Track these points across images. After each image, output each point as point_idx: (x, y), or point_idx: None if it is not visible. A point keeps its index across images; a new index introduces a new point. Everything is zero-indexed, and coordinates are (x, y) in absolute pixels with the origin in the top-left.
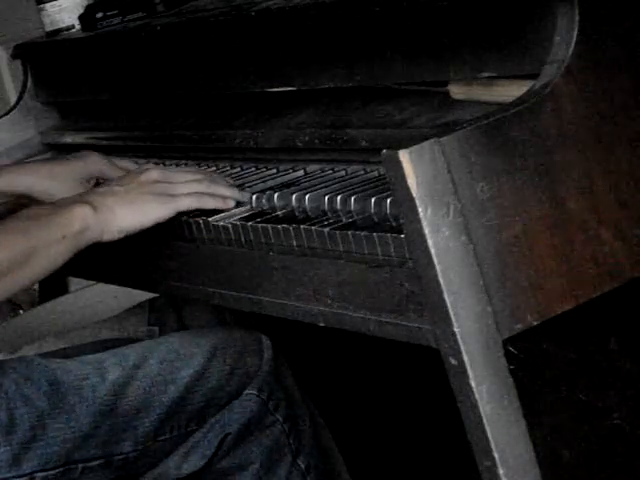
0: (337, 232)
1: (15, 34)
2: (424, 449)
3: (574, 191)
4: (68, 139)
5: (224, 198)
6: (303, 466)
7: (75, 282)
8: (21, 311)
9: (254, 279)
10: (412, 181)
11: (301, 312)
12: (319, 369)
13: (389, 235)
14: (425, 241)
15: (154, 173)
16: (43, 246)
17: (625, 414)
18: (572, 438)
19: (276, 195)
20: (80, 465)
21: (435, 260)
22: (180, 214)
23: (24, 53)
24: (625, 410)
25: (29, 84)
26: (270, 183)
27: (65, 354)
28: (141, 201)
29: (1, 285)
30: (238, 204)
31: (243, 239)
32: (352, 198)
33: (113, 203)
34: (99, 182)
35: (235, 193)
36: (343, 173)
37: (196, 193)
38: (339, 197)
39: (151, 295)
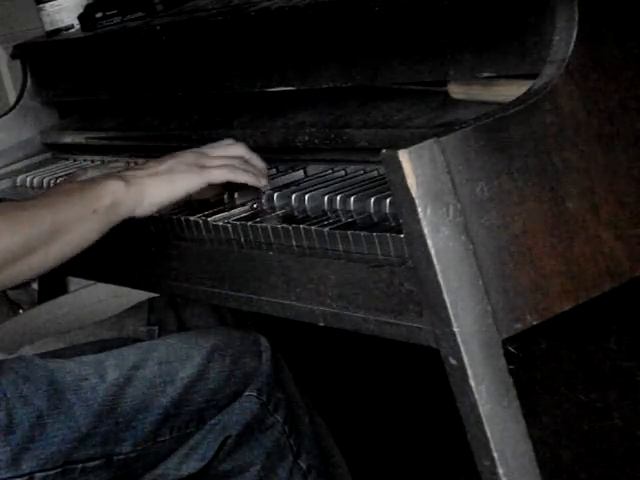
0: (337, 232)
1: (15, 34)
2: (424, 449)
3: (574, 191)
4: (68, 139)
5: (257, 175)
6: (304, 466)
7: (75, 282)
8: (20, 311)
9: (254, 279)
10: (412, 181)
11: (301, 312)
12: (319, 369)
13: (388, 235)
14: (425, 241)
15: (189, 152)
16: (72, 221)
17: (625, 414)
18: (572, 438)
19: (276, 195)
20: (79, 465)
21: (435, 260)
22: (179, 214)
23: (24, 53)
24: (625, 410)
25: (29, 84)
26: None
27: (64, 354)
28: (172, 172)
29: (31, 261)
30: (238, 205)
31: (243, 239)
32: (351, 198)
33: (144, 176)
34: None
35: (264, 170)
36: (342, 173)
37: (229, 165)
38: (339, 197)
39: (151, 295)
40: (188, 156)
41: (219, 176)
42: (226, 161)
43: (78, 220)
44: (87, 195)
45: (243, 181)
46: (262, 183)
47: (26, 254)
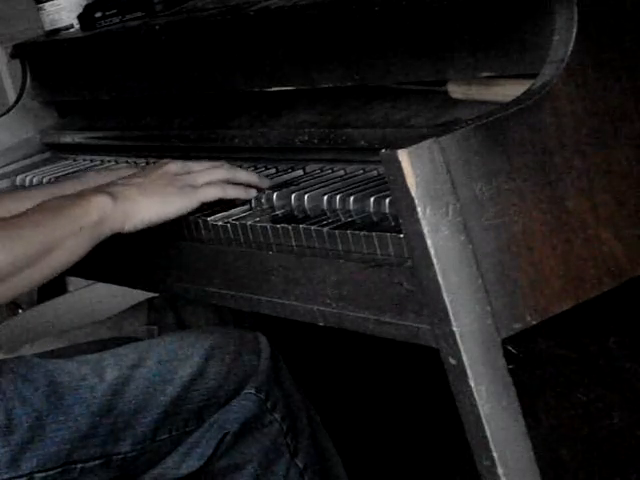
0: (336, 232)
1: (14, 33)
2: (423, 449)
3: (574, 191)
4: (67, 139)
5: (245, 187)
6: (301, 465)
7: (74, 282)
8: (20, 310)
9: (253, 279)
10: (411, 181)
11: (300, 312)
12: (318, 369)
13: (388, 235)
14: (424, 241)
15: (173, 165)
16: (60, 239)
17: (625, 414)
18: (572, 438)
19: (275, 195)
20: (79, 465)
21: (434, 260)
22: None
23: (23, 52)
24: (625, 410)
25: (28, 83)
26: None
27: (64, 354)
28: (164, 192)
29: (19, 280)
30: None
31: (242, 239)
32: (351, 198)
33: (135, 194)
34: None
35: (254, 178)
36: (342, 172)
37: (218, 182)
38: (338, 197)
39: (151, 295)
40: (177, 176)
41: (210, 195)
42: (214, 176)
43: (65, 237)
44: (74, 212)
45: (234, 196)
46: (251, 194)
47: (14, 273)
